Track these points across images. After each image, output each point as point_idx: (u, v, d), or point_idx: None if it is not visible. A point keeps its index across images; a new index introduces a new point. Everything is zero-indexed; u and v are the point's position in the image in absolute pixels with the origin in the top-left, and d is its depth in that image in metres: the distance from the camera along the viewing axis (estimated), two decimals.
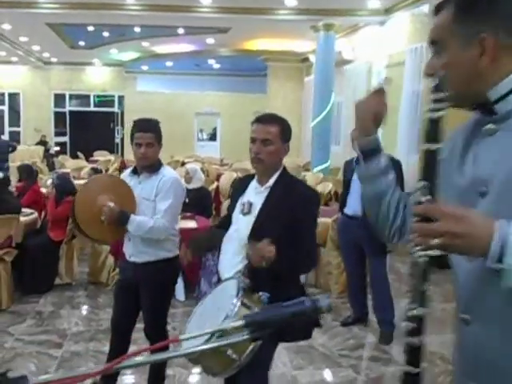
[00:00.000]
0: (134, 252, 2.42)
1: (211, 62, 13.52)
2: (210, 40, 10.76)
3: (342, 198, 3.65)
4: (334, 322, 3.65)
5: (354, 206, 3.35)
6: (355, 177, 3.17)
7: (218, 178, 7.84)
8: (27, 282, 4.19)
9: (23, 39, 10.77)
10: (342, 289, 4.19)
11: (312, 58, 10.29)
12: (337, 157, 8.55)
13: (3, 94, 14.32)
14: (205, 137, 16.27)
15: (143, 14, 8.24)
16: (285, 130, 1.92)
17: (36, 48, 12.00)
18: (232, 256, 1.90)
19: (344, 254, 3.78)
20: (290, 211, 1.83)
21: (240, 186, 2.08)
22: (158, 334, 2.50)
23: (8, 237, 3.82)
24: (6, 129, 14.13)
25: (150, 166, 2.38)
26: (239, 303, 1.37)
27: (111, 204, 2.21)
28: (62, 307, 3.96)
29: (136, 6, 8.05)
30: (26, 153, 11.47)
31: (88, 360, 3.09)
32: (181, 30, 9.81)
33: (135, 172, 2.45)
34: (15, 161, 9.94)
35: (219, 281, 1.91)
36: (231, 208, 2.08)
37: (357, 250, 3.49)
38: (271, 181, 1.92)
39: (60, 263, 4.43)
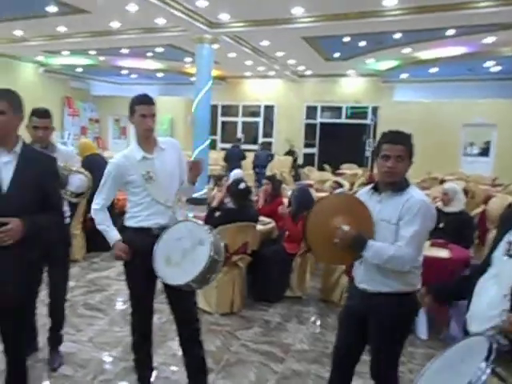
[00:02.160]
0: (364, 278, 2.30)
1: (488, 64, 12.20)
2: (489, 39, 9.73)
3: None
4: None
5: None
6: None
7: (486, 200, 6.99)
8: (259, 289, 4.63)
9: (280, 54, 12.31)
10: None
11: None
12: None
13: (259, 107, 16.69)
14: (474, 151, 14.75)
15: (406, 18, 8.16)
16: None
17: (291, 62, 13.52)
18: (487, 306, 1.61)
19: None
20: None
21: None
22: (386, 378, 2.30)
23: (244, 243, 4.31)
24: (260, 139, 16.36)
25: (395, 183, 2.23)
26: (489, 370, 1.07)
27: (346, 227, 2.16)
28: (290, 320, 4.21)
29: (398, 10, 8.04)
30: (277, 163, 12.92)
31: (306, 383, 3.15)
32: (451, 32, 9.22)
33: (376, 189, 2.32)
34: (272, 169, 11.42)
35: (466, 333, 1.59)
36: (493, 243, 1.74)
37: None
38: None
39: (292, 275, 4.71)
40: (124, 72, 15.83)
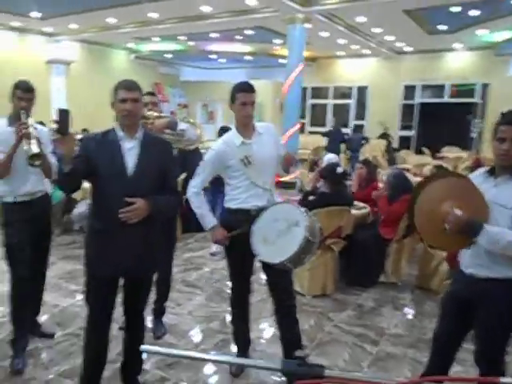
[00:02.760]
0: (471, 263, 2.31)
1: None
2: None
3: None
4: None
5: None
6: None
7: None
8: (352, 273, 4.76)
9: (377, 30, 12.00)
10: None
11: None
12: None
13: (351, 88, 16.45)
14: None
15: None
16: None
17: (390, 38, 13.12)
18: None
19: None
20: None
21: None
22: (493, 364, 2.33)
23: (338, 227, 4.45)
24: (352, 122, 16.16)
25: None
26: None
27: (458, 212, 2.15)
28: (384, 305, 4.31)
29: None
30: (370, 146, 12.75)
31: (403, 366, 3.28)
32: None
33: (491, 173, 2.32)
34: (364, 153, 11.40)
35: None
36: None
37: None
38: None
39: (387, 261, 4.78)
40: (212, 56, 16.44)
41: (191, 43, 14.65)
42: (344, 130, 13.14)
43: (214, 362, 3.20)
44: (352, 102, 16.54)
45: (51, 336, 3.49)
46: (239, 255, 2.93)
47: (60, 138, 2.24)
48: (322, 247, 4.32)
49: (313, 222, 2.72)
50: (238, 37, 13.39)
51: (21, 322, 3.16)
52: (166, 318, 3.77)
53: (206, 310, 4.13)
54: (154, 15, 11.14)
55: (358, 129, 14.29)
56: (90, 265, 2.54)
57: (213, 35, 13.17)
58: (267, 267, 2.85)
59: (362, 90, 16.31)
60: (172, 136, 3.34)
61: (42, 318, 3.68)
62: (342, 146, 11.82)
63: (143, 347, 1.27)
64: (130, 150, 2.44)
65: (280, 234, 2.72)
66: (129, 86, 2.41)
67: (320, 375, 1.05)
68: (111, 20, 11.80)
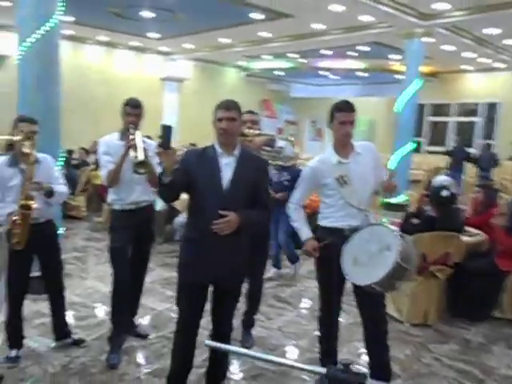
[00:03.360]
0: None
1: None
2: None
3: None
4: None
5: None
6: None
7: None
8: (460, 304, 4.54)
9: (510, 42, 11.27)
10: None
11: None
12: None
13: (477, 104, 15.57)
14: None
15: None
16: None
17: None
18: None
19: None
20: None
21: None
22: None
23: (444, 254, 4.31)
24: (477, 141, 15.22)
25: None
26: None
27: None
28: (495, 343, 4.07)
29: None
30: (498, 168, 11.93)
31: None
32: None
33: None
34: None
35: None
36: None
37: None
38: None
39: (504, 295, 4.51)
40: (323, 73, 16.70)
41: (302, 60, 15.06)
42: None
43: (264, 360, 3.30)
44: (479, 119, 15.68)
45: (145, 337, 3.83)
46: (328, 274, 2.99)
47: (162, 151, 2.53)
48: (425, 273, 4.22)
49: (408, 247, 2.72)
50: (350, 53, 13.50)
51: (118, 321, 3.53)
52: (255, 331, 3.93)
53: (297, 326, 4.23)
54: (265, 34, 11.69)
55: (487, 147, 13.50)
56: (181, 271, 2.80)
57: (324, 52, 13.42)
58: (357, 288, 2.90)
59: (491, 107, 15.41)
60: (270, 153, 3.58)
61: (139, 320, 4.03)
62: (468, 166, 11.23)
63: (207, 342, 1.43)
64: (227, 166, 2.68)
65: (371, 257, 2.76)
66: (227, 105, 2.66)
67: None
68: (223, 40, 12.61)
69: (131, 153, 3.15)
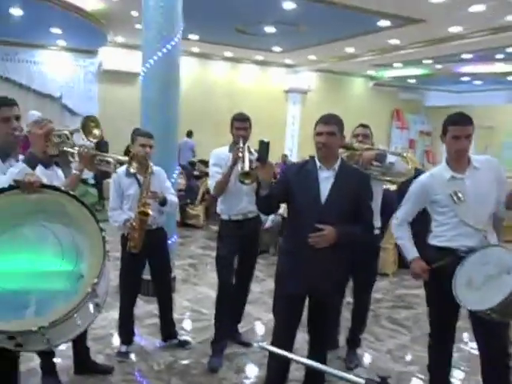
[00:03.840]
0: None
1: None
2: None
3: None
4: None
5: None
6: None
7: None
8: None
9: None
10: None
11: None
12: None
13: None
14: None
15: None
16: None
17: None
18: None
19: None
20: None
21: None
22: None
23: None
24: None
25: None
26: None
27: None
28: None
29: None
30: None
31: None
32: None
33: None
34: None
35: None
36: None
37: None
38: None
39: None
40: (465, 79, 15.82)
41: (438, 66, 14.45)
42: None
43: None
44: None
45: (249, 345, 3.98)
46: (441, 296, 2.85)
47: (260, 166, 2.69)
48: None
49: None
50: (498, 56, 12.65)
51: (221, 325, 3.73)
52: (360, 351, 3.88)
53: (409, 351, 4.08)
54: (395, 41, 11.46)
55: None
56: (278, 282, 2.93)
57: (465, 56, 12.75)
58: (474, 316, 2.73)
59: None
60: (379, 168, 3.53)
61: (243, 328, 4.20)
62: None
63: (260, 344, 1.52)
64: (326, 180, 2.76)
65: (488, 280, 2.62)
66: (326, 120, 2.75)
67: None
68: (350, 49, 12.60)
69: (238, 164, 3.34)
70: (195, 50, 13.34)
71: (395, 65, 14.49)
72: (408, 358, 3.97)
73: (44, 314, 1.83)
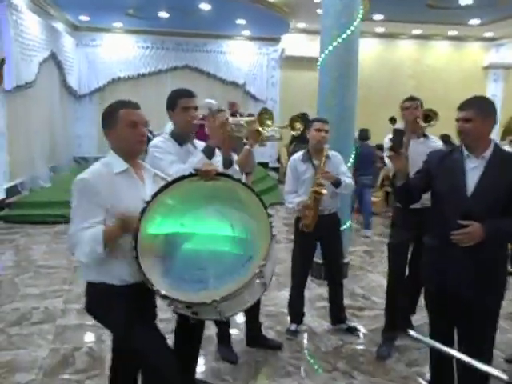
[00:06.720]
0: None
1: None
2: None
3: None
4: None
5: None
6: None
7: None
8: None
9: None
10: None
11: None
12: None
13: None
14: None
15: None
16: None
17: None
18: None
19: None
20: None
21: None
22: None
23: None
24: None
25: None
26: None
27: None
28: None
29: None
30: None
31: None
32: None
33: None
34: None
35: None
36: None
37: None
38: None
39: None
40: None
41: None
42: None
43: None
44: None
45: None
46: None
47: (394, 155, 2.63)
48: None
49: None
50: None
51: (391, 315, 3.71)
52: None
53: None
54: None
55: None
56: (424, 278, 2.80)
57: None
58: None
59: None
60: None
61: (417, 322, 4.03)
62: None
63: (411, 333, 1.50)
64: (474, 170, 2.53)
65: None
66: (462, 105, 2.53)
67: None
68: None
69: None
70: (379, 30, 13.08)
71: None
72: None
73: (217, 290, 2.05)
